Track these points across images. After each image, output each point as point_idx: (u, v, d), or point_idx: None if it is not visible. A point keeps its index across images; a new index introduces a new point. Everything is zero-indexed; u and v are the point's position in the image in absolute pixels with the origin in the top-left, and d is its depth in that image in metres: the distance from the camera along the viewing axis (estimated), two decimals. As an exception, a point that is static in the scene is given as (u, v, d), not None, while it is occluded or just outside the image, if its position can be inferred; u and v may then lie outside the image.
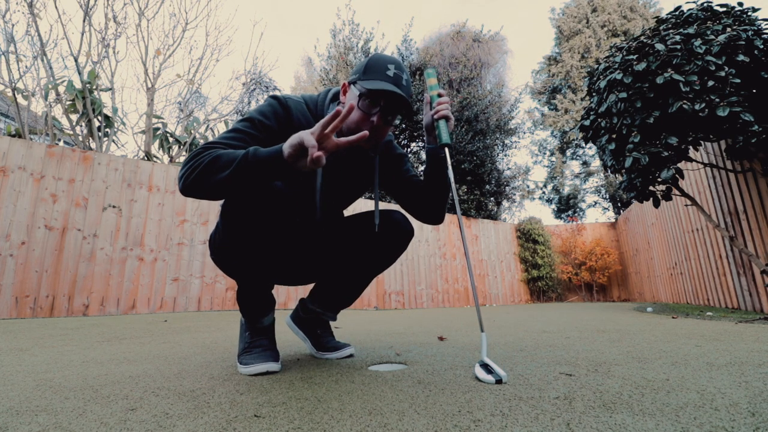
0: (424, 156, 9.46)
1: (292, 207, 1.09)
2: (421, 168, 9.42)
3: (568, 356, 1.33)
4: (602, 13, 14.86)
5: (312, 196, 1.19)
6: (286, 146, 0.87)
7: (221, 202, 1.11)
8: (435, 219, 1.32)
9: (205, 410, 0.78)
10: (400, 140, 8.91)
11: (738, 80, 2.43)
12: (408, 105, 1.10)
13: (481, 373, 1.03)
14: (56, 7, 5.47)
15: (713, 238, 4.16)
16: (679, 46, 2.61)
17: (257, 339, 1.23)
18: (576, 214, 14.45)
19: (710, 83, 2.46)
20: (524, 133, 12.45)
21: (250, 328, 1.26)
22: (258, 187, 0.94)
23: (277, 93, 1.20)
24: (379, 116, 1.08)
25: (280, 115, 1.10)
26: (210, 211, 4.77)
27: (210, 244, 1.22)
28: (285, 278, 1.38)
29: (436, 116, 1.18)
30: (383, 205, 6.60)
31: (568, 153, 15.28)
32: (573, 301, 8.14)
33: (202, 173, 0.91)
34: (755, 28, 2.60)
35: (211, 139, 6.50)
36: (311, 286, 1.79)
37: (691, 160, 3.04)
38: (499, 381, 0.98)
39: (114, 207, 4.21)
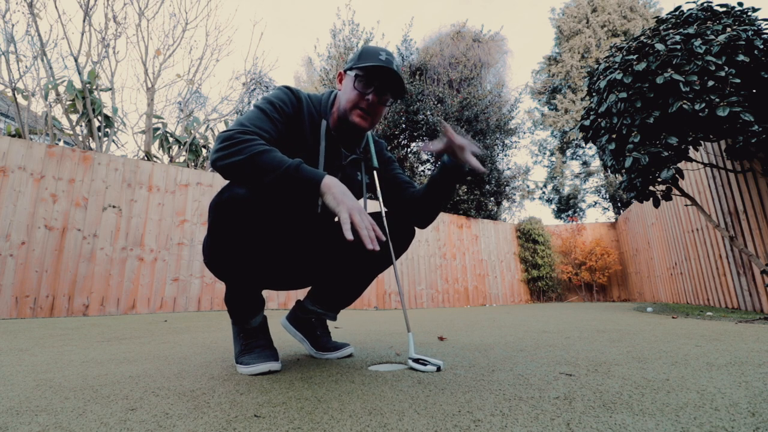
0: (424, 156, 9.47)
1: (291, 205, 1.09)
2: (420, 168, 9.42)
3: (568, 356, 1.33)
4: (602, 13, 14.86)
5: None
6: (331, 187, 0.96)
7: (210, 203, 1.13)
8: (423, 224, 1.35)
9: (205, 410, 0.78)
10: (399, 140, 8.92)
11: (738, 80, 2.43)
12: (400, 82, 1.16)
13: (419, 367, 1.14)
14: (56, 7, 5.47)
15: (713, 238, 4.16)
16: (679, 46, 2.61)
17: (254, 340, 1.23)
18: (576, 214, 14.45)
19: (710, 83, 2.46)
20: (524, 133, 12.43)
21: (243, 330, 1.25)
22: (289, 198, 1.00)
23: (289, 84, 1.24)
24: (374, 94, 1.16)
25: (294, 104, 1.18)
26: (210, 211, 4.77)
27: (203, 249, 1.21)
28: (281, 281, 1.38)
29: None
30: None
31: (568, 153, 15.28)
32: (573, 301, 8.14)
33: (242, 165, 0.96)
34: (755, 28, 2.60)
35: (211, 138, 6.42)
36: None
37: (691, 160, 3.04)
38: (438, 369, 1.12)
39: (114, 207, 4.21)
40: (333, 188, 0.96)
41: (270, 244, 1.13)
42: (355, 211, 0.94)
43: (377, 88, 1.16)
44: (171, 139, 6.59)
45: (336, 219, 1.47)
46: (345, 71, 1.20)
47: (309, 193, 0.96)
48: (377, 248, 0.90)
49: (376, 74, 1.14)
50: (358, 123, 1.18)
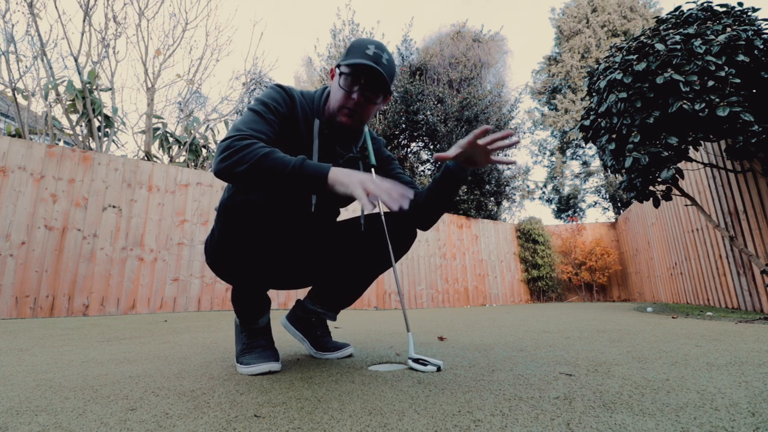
0: (424, 156, 9.47)
1: (288, 201, 1.09)
2: (421, 168, 9.41)
3: (568, 356, 1.33)
4: (602, 13, 14.85)
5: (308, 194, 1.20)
6: (337, 176, 0.93)
7: (216, 204, 1.12)
8: (425, 226, 1.33)
9: (205, 410, 0.78)
10: (399, 140, 8.92)
11: (738, 80, 2.43)
12: (385, 80, 1.10)
13: (419, 367, 1.14)
14: (56, 7, 5.47)
15: (713, 238, 4.16)
16: (679, 46, 2.61)
17: (256, 339, 1.23)
18: (576, 214, 14.44)
19: (710, 83, 2.46)
20: (524, 133, 12.45)
21: (246, 329, 1.25)
22: (296, 192, 0.99)
23: (289, 84, 1.20)
24: (360, 93, 1.11)
25: (287, 103, 1.16)
26: (210, 211, 4.77)
27: (206, 249, 1.21)
28: (283, 282, 1.38)
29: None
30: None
31: (568, 153, 15.28)
32: (573, 301, 8.14)
33: (247, 171, 0.94)
34: (755, 28, 2.60)
35: (211, 138, 6.41)
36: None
37: (691, 160, 3.04)
38: (438, 369, 1.12)
39: (114, 207, 4.21)
40: (338, 176, 0.94)
41: (276, 245, 1.13)
42: (368, 182, 0.90)
43: (363, 87, 1.11)
44: (171, 139, 6.59)
45: (338, 218, 1.46)
46: (336, 67, 1.17)
47: (317, 188, 0.95)
48: (405, 207, 0.86)
49: (362, 72, 1.09)
50: (345, 122, 1.16)
